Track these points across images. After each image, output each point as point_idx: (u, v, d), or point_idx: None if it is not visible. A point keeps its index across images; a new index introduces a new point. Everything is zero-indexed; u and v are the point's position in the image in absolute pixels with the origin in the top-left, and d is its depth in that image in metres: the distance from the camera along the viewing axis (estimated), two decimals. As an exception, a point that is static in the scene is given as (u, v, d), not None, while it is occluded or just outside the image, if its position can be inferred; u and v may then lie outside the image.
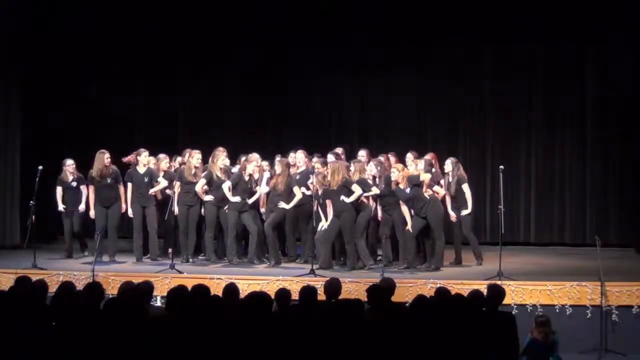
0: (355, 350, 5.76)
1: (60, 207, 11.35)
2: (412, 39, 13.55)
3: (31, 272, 9.58)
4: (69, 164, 11.36)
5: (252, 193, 11.09)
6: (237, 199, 10.81)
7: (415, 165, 10.78)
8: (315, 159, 11.19)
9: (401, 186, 10.43)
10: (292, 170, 11.26)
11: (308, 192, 10.95)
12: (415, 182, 10.35)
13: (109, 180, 11.17)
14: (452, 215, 10.91)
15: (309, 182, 10.85)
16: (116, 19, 13.73)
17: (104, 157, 11.15)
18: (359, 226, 10.48)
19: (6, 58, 13.10)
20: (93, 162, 11.27)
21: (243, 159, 11.19)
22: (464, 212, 11.00)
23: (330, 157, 11.12)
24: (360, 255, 10.51)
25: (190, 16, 13.74)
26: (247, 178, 10.99)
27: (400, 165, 10.72)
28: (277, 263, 10.86)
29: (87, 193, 11.32)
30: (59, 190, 11.34)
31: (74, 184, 11.34)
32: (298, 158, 11.28)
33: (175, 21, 13.76)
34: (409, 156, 11.24)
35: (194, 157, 11.18)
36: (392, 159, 11.32)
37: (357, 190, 10.30)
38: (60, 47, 13.96)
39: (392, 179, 10.50)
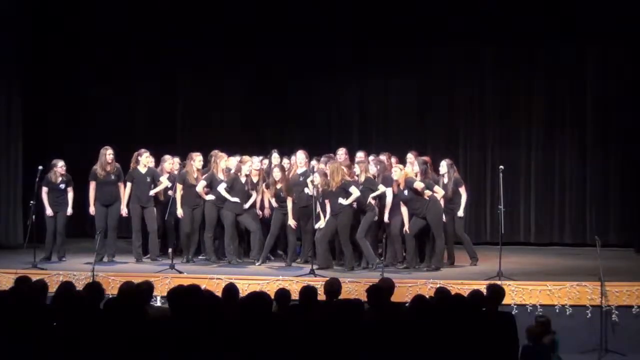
0: (355, 350, 5.76)
1: (49, 211, 11.13)
2: (412, 39, 13.56)
3: (31, 272, 9.59)
4: (60, 166, 11.16)
5: (249, 195, 11.11)
6: (236, 199, 10.82)
7: (412, 166, 10.80)
8: (314, 161, 11.24)
9: (401, 186, 10.43)
10: (292, 172, 11.30)
11: (309, 192, 10.98)
12: (410, 186, 10.35)
13: (112, 177, 11.14)
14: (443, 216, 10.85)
15: (309, 180, 10.86)
16: (116, 19, 13.75)
17: (106, 153, 11.12)
18: (363, 226, 10.47)
19: (6, 58, 13.12)
20: (92, 162, 11.26)
21: (237, 159, 11.24)
22: (458, 214, 10.99)
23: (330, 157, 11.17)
24: (365, 255, 10.50)
25: (190, 16, 13.75)
26: (243, 179, 11.01)
27: (401, 166, 10.72)
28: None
29: (74, 195, 11.23)
30: (44, 190, 11.14)
31: (62, 185, 11.19)
32: (299, 158, 11.28)
33: (175, 21, 13.78)
34: (410, 156, 11.26)
35: (196, 160, 11.18)
36: (394, 159, 11.32)
37: (354, 192, 10.30)
38: (60, 47, 13.98)
39: (394, 179, 10.50)
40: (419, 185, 10.34)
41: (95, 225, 11.15)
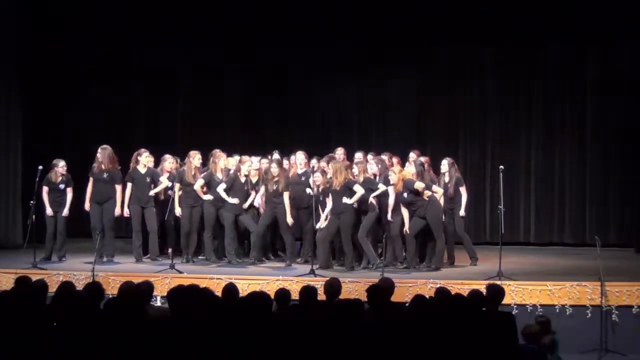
0: (355, 350, 5.76)
1: (49, 211, 11.12)
2: (412, 39, 13.56)
3: (31, 272, 9.58)
4: (61, 165, 11.15)
5: (248, 194, 11.10)
6: (235, 200, 10.80)
7: (411, 166, 10.80)
8: (314, 160, 11.23)
9: (399, 188, 10.43)
10: (292, 172, 11.27)
11: (310, 193, 10.99)
12: (410, 188, 10.35)
13: (104, 175, 11.07)
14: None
15: (310, 179, 10.86)
16: (116, 19, 13.75)
17: (97, 152, 11.11)
18: (365, 226, 10.46)
19: (6, 58, 13.12)
20: (92, 163, 11.25)
21: (237, 159, 11.22)
22: (460, 214, 11.01)
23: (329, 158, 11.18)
24: (368, 255, 10.50)
25: (190, 16, 13.75)
26: (242, 179, 10.98)
27: (397, 168, 10.71)
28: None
29: (72, 196, 11.19)
30: (44, 190, 11.12)
31: (62, 186, 11.16)
32: (298, 159, 11.26)
33: (175, 21, 13.78)
34: (412, 155, 11.27)
35: (195, 158, 11.17)
36: (395, 159, 11.30)
37: (359, 190, 10.29)
38: (60, 47, 13.98)
39: (390, 181, 10.50)
40: (419, 185, 10.34)
41: (91, 223, 11.12)
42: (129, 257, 11.31)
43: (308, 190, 11.03)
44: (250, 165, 11.10)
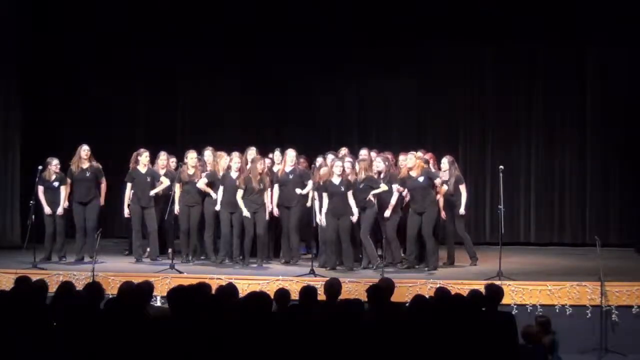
0: (354, 350, 5.76)
1: (47, 210, 11.09)
2: (412, 38, 13.56)
3: (31, 272, 9.58)
4: (55, 164, 11.10)
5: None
6: (218, 207, 10.76)
7: None
8: (320, 158, 11.22)
9: (414, 174, 10.41)
10: (280, 170, 11.22)
11: (303, 192, 10.99)
12: (431, 177, 10.38)
13: (87, 175, 11.06)
14: (443, 213, 10.91)
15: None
16: (116, 19, 13.75)
17: (81, 149, 11.13)
18: (367, 224, 10.45)
19: (6, 58, 13.11)
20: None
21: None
22: (460, 212, 11.01)
23: (329, 157, 11.16)
24: (368, 254, 10.49)
25: (190, 16, 13.76)
26: (234, 175, 10.90)
27: (419, 154, 10.73)
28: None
29: (66, 193, 11.15)
30: (40, 189, 11.09)
31: (56, 184, 11.12)
32: (290, 156, 11.19)
33: (175, 21, 13.78)
34: (419, 154, 11.27)
35: (188, 156, 11.16)
36: (402, 156, 11.27)
37: (382, 187, 10.39)
38: (60, 47, 13.97)
39: (408, 165, 10.49)
40: (439, 181, 10.41)
41: (75, 223, 11.10)
42: (128, 257, 11.30)
43: (297, 190, 11.00)
44: (231, 161, 10.98)
